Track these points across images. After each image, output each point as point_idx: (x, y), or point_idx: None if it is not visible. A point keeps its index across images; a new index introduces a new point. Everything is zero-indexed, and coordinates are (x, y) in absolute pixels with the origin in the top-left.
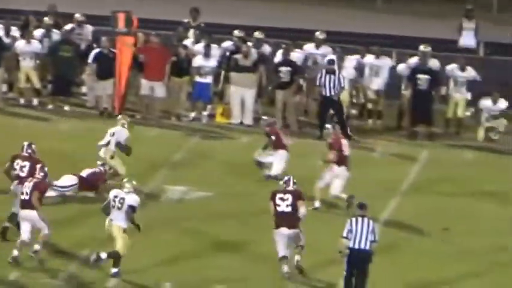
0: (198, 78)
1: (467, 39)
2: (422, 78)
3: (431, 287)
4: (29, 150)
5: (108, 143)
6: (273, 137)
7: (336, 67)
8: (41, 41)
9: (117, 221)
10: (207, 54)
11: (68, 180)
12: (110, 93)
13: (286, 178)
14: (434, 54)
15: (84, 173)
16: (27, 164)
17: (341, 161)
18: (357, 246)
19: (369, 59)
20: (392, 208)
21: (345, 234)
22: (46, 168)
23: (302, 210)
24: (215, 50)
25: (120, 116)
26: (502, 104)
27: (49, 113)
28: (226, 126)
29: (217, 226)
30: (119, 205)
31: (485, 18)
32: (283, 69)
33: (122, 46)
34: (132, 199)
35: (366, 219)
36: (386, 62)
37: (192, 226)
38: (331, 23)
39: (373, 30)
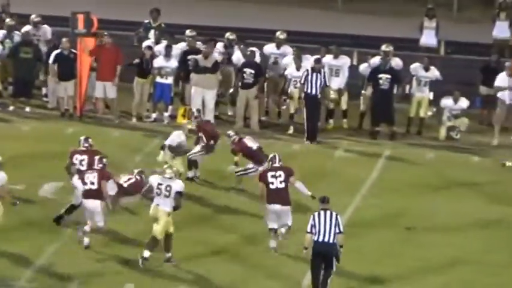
0: (159, 79)
1: (428, 38)
2: (384, 77)
3: (395, 284)
4: (86, 144)
5: (163, 147)
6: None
7: (322, 66)
8: (1, 43)
9: (163, 206)
10: (168, 55)
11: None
12: (72, 94)
13: (271, 155)
14: (396, 54)
15: (123, 180)
16: (85, 157)
17: (257, 159)
18: (321, 239)
19: (328, 59)
20: (354, 207)
21: (308, 230)
22: (105, 160)
23: (298, 184)
24: (176, 50)
25: (185, 122)
26: (463, 103)
27: (10, 114)
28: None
29: (180, 226)
30: (166, 193)
31: (446, 17)
32: (247, 70)
33: (82, 47)
34: (179, 185)
35: (328, 212)
36: (345, 62)
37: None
38: (292, 23)
39: (334, 30)
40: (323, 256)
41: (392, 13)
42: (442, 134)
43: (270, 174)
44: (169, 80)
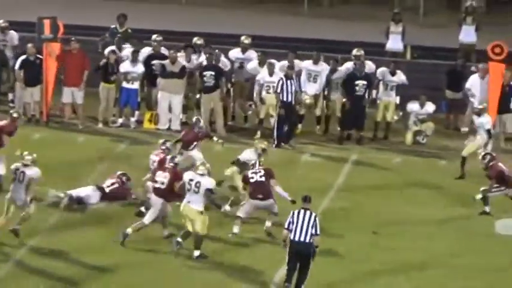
0: (125, 84)
1: (394, 43)
2: (360, 84)
3: None
4: (163, 147)
5: (233, 162)
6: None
7: (294, 72)
8: None
9: (194, 204)
10: (134, 60)
11: (92, 196)
12: (38, 99)
13: (252, 162)
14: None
15: (106, 185)
16: (156, 158)
17: None
18: (296, 238)
19: (307, 64)
20: (321, 211)
21: (286, 226)
22: (177, 159)
23: (278, 189)
24: (142, 55)
25: (257, 141)
26: (430, 107)
27: None
28: (154, 132)
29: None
30: (196, 189)
31: (412, 21)
32: (207, 73)
33: (48, 53)
34: (209, 182)
35: (308, 212)
36: (324, 68)
37: (118, 231)
38: (258, 27)
39: (300, 34)
40: (299, 255)
41: (358, 18)
42: (408, 138)
43: (250, 172)
44: (136, 85)
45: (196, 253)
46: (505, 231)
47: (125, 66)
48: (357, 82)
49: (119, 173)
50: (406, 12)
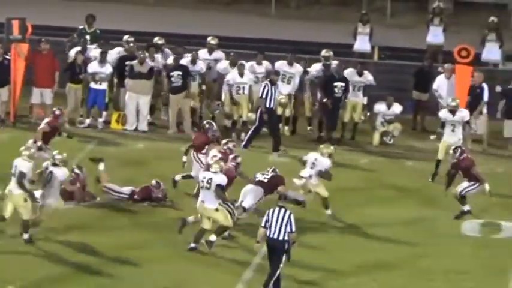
0: (93, 85)
1: (361, 44)
2: (339, 85)
3: None
4: (225, 147)
5: (310, 176)
6: None
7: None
8: None
9: (208, 203)
10: (102, 61)
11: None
12: (6, 100)
13: (269, 169)
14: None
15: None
16: (217, 154)
17: None
18: (271, 235)
19: (281, 65)
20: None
21: (262, 224)
22: (239, 158)
23: (290, 192)
24: (111, 56)
25: (322, 146)
26: (397, 108)
27: None
28: (122, 133)
29: (108, 235)
30: (207, 185)
31: (380, 22)
32: (175, 73)
33: (16, 53)
34: (220, 178)
35: (282, 210)
36: (298, 70)
37: (81, 235)
38: (225, 28)
39: (267, 35)
40: (272, 251)
41: (325, 19)
42: (375, 139)
43: (259, 173)
44: (104, 86)
45: (213, 238)
46: (472, 233)
47: (92, 67)
48: (335, 84)
49: (74, 166)
50: (373, 13)
